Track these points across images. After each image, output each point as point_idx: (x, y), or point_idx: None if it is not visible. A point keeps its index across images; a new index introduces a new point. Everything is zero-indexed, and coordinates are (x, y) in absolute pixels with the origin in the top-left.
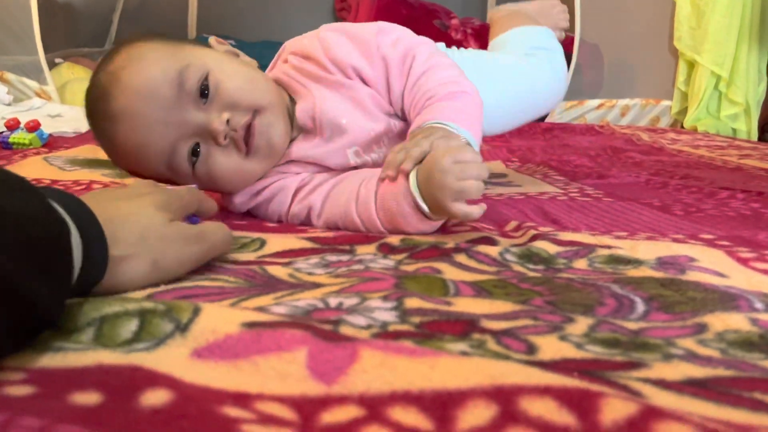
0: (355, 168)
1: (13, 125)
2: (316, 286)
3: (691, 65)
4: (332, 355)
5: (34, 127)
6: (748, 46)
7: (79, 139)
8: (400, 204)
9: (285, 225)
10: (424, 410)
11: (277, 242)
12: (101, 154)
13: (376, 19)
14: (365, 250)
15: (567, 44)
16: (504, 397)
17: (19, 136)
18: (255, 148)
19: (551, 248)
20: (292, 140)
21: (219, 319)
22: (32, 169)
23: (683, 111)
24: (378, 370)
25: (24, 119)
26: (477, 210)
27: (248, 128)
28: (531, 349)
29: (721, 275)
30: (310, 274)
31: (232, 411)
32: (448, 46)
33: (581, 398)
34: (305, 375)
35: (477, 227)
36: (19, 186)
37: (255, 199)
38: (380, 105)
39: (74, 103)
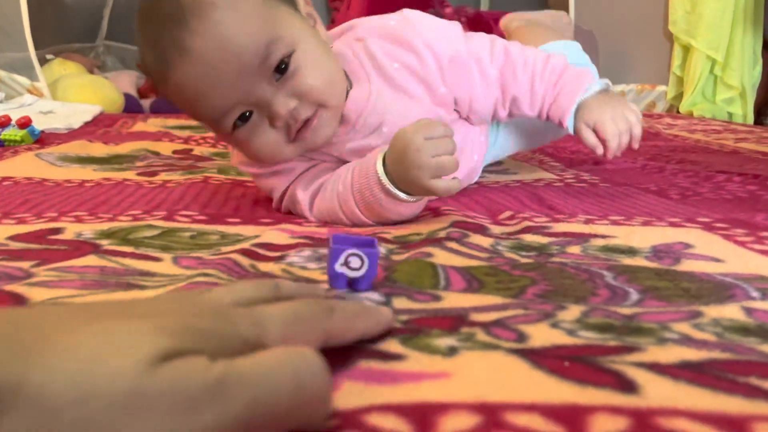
0: None
1: (4, 122)
2: (309, 282)
3: (686, 50)
4: None
5: (25, 123)
6: (743, 29)
7: (71, 136)
8: (375, 193)
9: (281, 219)
10: (404, 416)
11: (271, 237)
12: (92, 150)
13: (369, 8)
14: None
15: None
16: (488, 410)
17: (10, 133)
18: (302, 139)
19: (544, 240)
20: None
21: None
22: (23, 165)
23: (679, 96)
24: (358, 395)
25: (15, 116)
26: (456, 184)
27: (306, 121)
28: (521, 337)
29: (718, 260)
30: (303, 268)
31: None
32: None
33: (568, 414)
34: None
35: (470, 216)
36: None
37: (263, 169)
38: (444, 106)
39: (66, 99)
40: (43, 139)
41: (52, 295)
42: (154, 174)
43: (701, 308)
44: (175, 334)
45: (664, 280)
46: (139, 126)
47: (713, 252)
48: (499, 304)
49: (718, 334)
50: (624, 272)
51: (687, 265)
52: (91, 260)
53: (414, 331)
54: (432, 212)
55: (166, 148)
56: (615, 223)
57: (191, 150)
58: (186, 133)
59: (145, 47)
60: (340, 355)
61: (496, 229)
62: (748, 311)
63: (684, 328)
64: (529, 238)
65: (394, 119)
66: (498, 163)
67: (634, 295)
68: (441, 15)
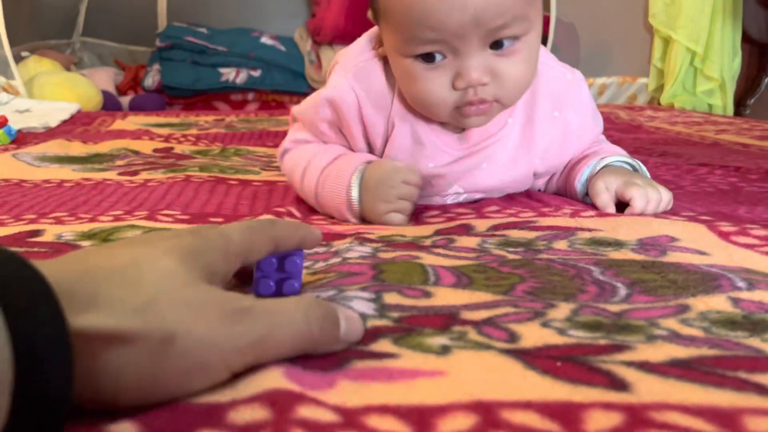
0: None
1: None
2: None
3: (667, 42)
4: (310, 378)
5: (1, 123)
6: (722, 21)
7: (48, 135)
8: (337, 203)
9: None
10: (402, 418)
11: None
12: (71, 150)
13: (350, 8)
14: (341, 242)
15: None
16: (485, 409)
17: None
18: (464, 115)
19: (530, 235)
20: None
21: None
22: (0, 167)
23: (660, 88)
24: (354, 393)
25: None
26: (404, 221)
27: (480, 94)
28: (513, 337)
29: (703, 253)
30: None
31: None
32: None
33: (564, 411)
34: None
35: (455, 215)
36: None
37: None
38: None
39: (43, 96)
40: (19, 139)
41: None
42: (134, 173)
43: (688, 300)
44: (190, 251)
45: (651, 272)
46: (118, 124)
47: (699, 245)
48: (490, 301)
49: (706, 329)
50: (611, 266)
51: (673, 257)
52: None
53: (406, 330)
54: (414, 220)
55: (146, 146)
56: (600, 215)
57: (172, 148)
58: (166, 131)
59: None
60: (335, 356)
61: (482, 225)
62: (735, 301)
63: (672, 323)
64: (516, 234)
65: (494, 163)
66: None
67: (622, 290)
68: None
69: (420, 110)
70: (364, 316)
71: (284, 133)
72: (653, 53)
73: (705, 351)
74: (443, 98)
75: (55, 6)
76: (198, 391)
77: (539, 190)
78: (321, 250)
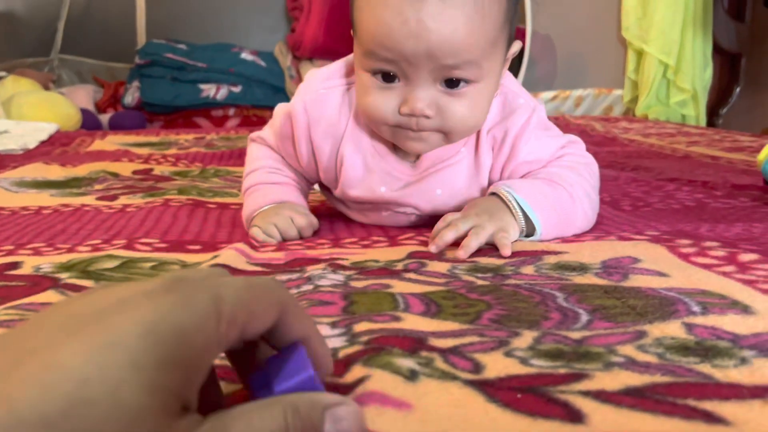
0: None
1: None
2: None
3: (640, 54)
4: None
5: None
6: (693, 33)
7: (27, 157)
8: (245, 216)
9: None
10: None
11: (229, 257)
12: (49, 173)
13: (329, 19)
14: (315, 267)
15: (520, 37)
16: None
17: None
18: (401, 136)
19: (499, 261)
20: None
21: None
22: None
23: (634, 99)
24: None
25: None
26: (259, 236)
27: (421, 125)
28: (477, 367)
29: (663, 275)
30: None
31: None
32: None
33: None
34: None
35: (428, 239)
36: None
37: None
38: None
39: (21, 117)
40: None
41: None
42: (113, 197)
43: (646, 327)
44: (163, 337)
45: (613, 297)
46: (98, 144)
47: (659, 266)
48: (456, 330)
49: (660, 355)
50: (575, 292)
51: (634, 281)
52: (51, 296)
53: (376, 350)
54: (389, 241)
55: (125, 168)
56: (566, 240)
57: (151, 170)
58: (146, 151)
59: None
60: None
61: (453, 251)
62: (689, 327)
63: (629, 350)
64: (485, 260)
65: (448, 189)
66: None
67: (584, 317)
68: None
69: (367, 122)
70: (335, 350)
71: None
72: (627, 66)
73: (658, 378)
74: (387, 118)
75: (32, 24)
76: None
77: None
78: (294, 276)
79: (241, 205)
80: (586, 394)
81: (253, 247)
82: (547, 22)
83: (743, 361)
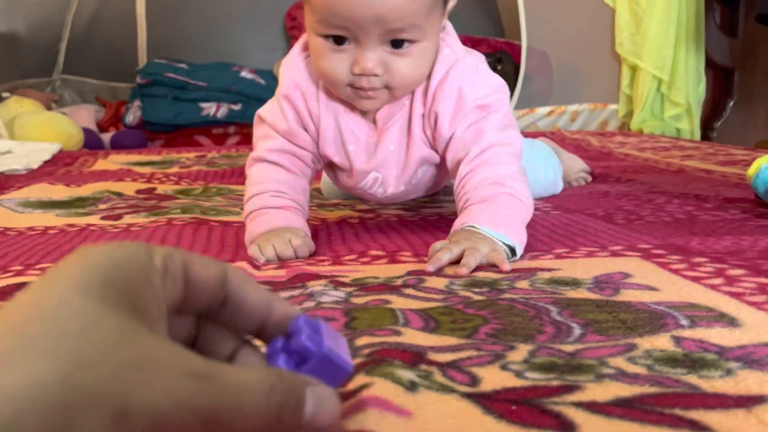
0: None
1: None
2: None
3: (634, 69)
4: None
5: None
6: (686, 49)
7: (31, 177)
8: (248, 240)
9: (241, 265)
10: None
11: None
12: (54, 193)
13: None
14: (316, 283)
15: (516, 54)
16: None
17: None
18: (357, 95)
19: (495, 276)
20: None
21: None
22: None
23: (629, 114)
24: None
25: None
26: (257, 255)
27: (371, 83)
28: (474, 380)
29: (653, 289)
30: None
31: None
32: None
33: None
34: None
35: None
36: None
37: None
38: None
39: (24, 137)
40: (2, 183)
41: None
42: (117, 217)
43: (636, 340)
44: (89, 287)
45: (604, 312)
46: (100, 164)
47: (649, 281)
48: (454, 344)
49: (649, 367)
50: (568, 306)
51: (625, 295)
52: None
53: (377, 361)
54: (388, 257)
55: (128, 188)
56: (559, 257)
57: (154, 189)
58: (148, 170)
59: None
60: None
61: (451, 268)
62: (677, 340)
63: (619, 362)
64: (482, 274)
65: (397, 142)
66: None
67: (577, 330)
68: None
69: (325, 84)
70: None
71: None
72: (622, 80)
73: (647, 389)
74: (341, 77)
75: (35, 45)
76: None
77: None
78: (296, 292)
79: (243, 223)
80: (578, 405)
81: (255, 267)
82: (542, 38)
83: (729, 372)
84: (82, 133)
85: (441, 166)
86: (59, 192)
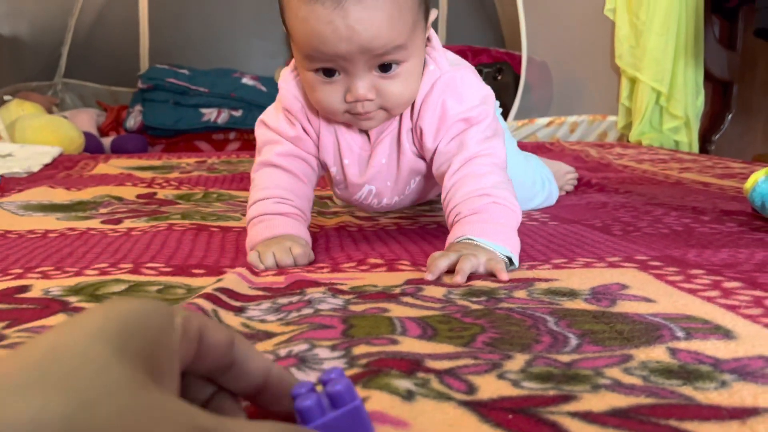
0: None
1: None
2: (268, 335)
3: (633, 82)
4: None
5: None
6: (685, 62)
7: (32, 181)
8: (248, 246)
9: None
10: None
11: (231, 282)
12: (55, 197)
13: None
14: (315, 290)
15: (516, 64)
16: None
17: None
18: (354, 119)
19: (493, 285)
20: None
21: None
22: None
23: (628, 125)
24: None
25: None
26: (256, 261)
27: (366, 107)
28: (471, 389)
29: (650, 300)
30: (262, 321)
31: None
32: None
33: None
34: None
35: (422, 263)
36: None
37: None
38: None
39: (25, 140)
40: (2, 186)
41: None
42: (118, 221)
43: (632, 351)
44: (105, 335)
45: (601, 322)
46: (101, 168)
47: (646, 292)
48: (452, 352)
49: (645, 377)
50: (565, 316)
51: (622, 306)
52: (62, 319)
53: (374, 372)
54: (387, 266)
55: (129, 192)
56: (557, 267)
57: (155, 193)
58: (149, 175)
59: None
60: None
61: (449, 277)
62: (673, 352)
63: (615, 373)
64: (480, 284)
65: (387, 155)
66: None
67: (573, 341)
68: None
69: (321, 113)
70: None
71: None
72: (621, 92)
73: (642, 400)
74: (337, 107)
75: (37, 49)
76: None
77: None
78: (294, 299)
79: (243, 228)
80: (574, 415)
81: (254, 273)
82: (543, 48)
83: (723, 384)
84: (83, 137)
85: (432, 176)
86: (60, 195)
